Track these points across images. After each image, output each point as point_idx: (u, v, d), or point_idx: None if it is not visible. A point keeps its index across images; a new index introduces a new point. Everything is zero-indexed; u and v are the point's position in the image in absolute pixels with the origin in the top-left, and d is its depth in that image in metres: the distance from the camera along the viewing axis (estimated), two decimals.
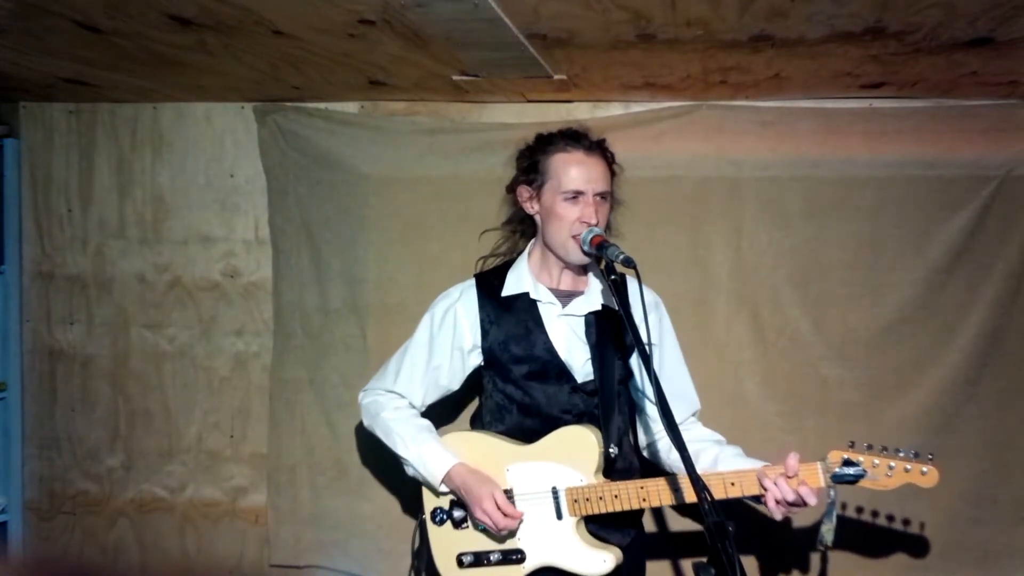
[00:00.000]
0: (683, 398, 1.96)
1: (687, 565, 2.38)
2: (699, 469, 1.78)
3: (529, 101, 2.44)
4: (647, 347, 1.61)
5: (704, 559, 1.30)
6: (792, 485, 1.65)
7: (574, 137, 1.88)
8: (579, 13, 1.60)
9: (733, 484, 1.72)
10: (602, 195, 1.86)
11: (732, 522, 1.33)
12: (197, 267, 2.67)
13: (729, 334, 2.38)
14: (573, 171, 1.84)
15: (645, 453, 2.03)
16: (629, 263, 1.65)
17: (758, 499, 1.71)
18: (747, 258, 2.36)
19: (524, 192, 1.94)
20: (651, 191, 2.34)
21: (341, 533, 2.56)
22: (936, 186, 2.28)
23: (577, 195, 1.84)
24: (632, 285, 1.96)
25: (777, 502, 1.67)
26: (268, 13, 1.65)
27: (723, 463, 1.81)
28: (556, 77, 2.10)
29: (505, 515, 1.79)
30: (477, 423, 2.05)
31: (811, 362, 2.35)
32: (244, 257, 2.65)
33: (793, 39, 1.75)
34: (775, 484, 1.67)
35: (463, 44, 1.82)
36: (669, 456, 1.93)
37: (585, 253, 1.82)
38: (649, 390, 1.94)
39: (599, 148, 1.90)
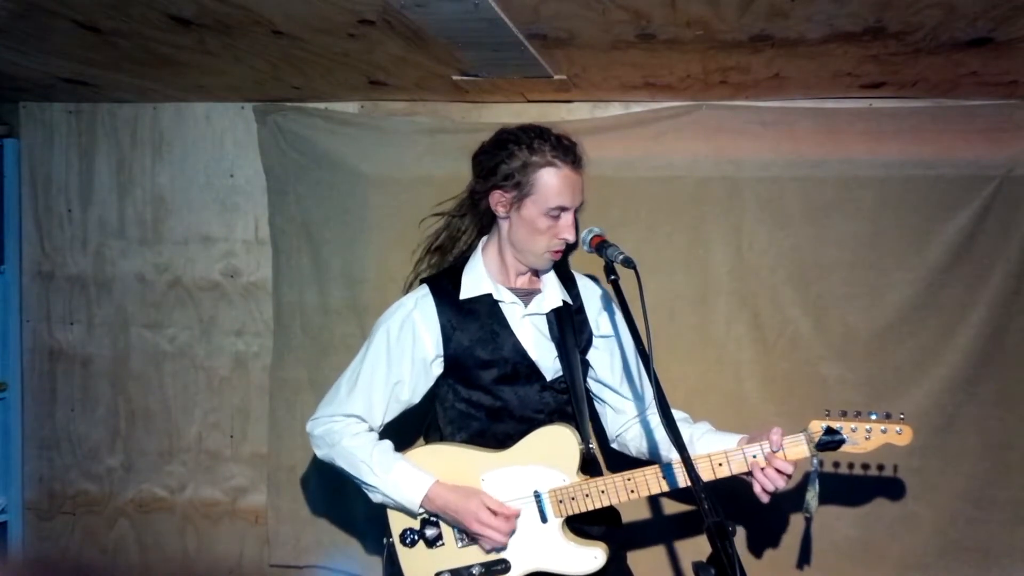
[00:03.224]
0: (644, 386, 1.95)
1: (682, 547, 2.38)
2: (664, 453, 1.82)
3: (529, 101, 2.44)
4: (648, 348, 1.60)
5: (704, 559, 1.30)
6: (774, 462, 1.71)
7: (562, 150, 1.77)
8: (579, 13, 1.60)
9: (721, 465, 1.74)
10: (579, 208, 1.82)
11: (732, 522, 1.33)
12: (197, 267, 2.68)
13: (729, 334, 2.38)
14: (561, 188, 1.75)
15: (614, 445, 2.01)
16: (629, 263, 1.64)
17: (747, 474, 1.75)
18: (747, 258, 2.36)
19: (499, 197, 1.80)
20: (651, 191, 2.35)
21: (341, 533, 2.57)
22: (936, 186, 2.28)
23: (561, 211, 1.78)
24: (581, 280, 1.97)
25: (764, 490, 1.71)
26: (268, 13, 1.65)
27: (699, 442, 1.81)
28: (556, 77, 2.10)
29: (506, 518, 1.75)
30: (434, 435, 1.93)
31: (811, 362, 2.35)
32: (244, 257, 2.65)
33: (793, 39, 1.75)
34: (764, 475, 1.70)
35: (463, 44, 1.82)
36: (641, 445, 1.93)
37: (587, 252, 1.81)
38: (612, 380, 1.96)
39: (580, 161, 1.81)
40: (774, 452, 1.72)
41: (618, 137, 2.33)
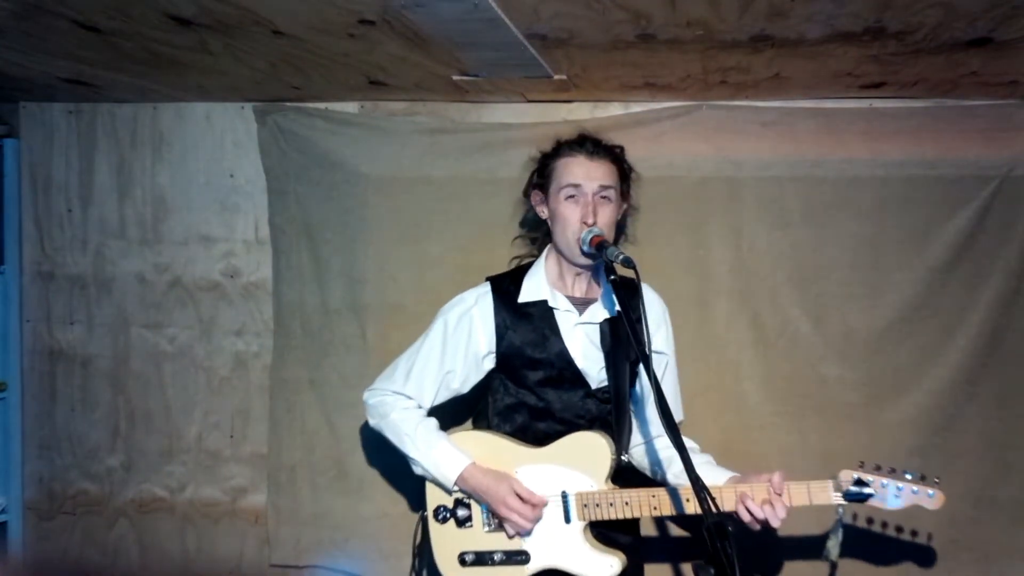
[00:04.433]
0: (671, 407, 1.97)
1: (687, 569, 2.39)
2: (670, 477, 1.86)
3: (529, 101, 2.44)
4: (648, 349, 1.61)
5: (703, 560, 1.30)
6: (781, 504, 1.70)
7: (579, 142, 1.92)
8: (579, 13, 1.60)
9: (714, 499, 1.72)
10: (604, 192, 1.86)
11: (731, 521, 1.33)
12: (197, 267, 2.67)
13: (729, 334, 2.38)
14: (572, 169, 1.88)
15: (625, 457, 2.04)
16: (629, 263, 1.65)
17: (733, 515, 1.75)
18: (747, 258, 2.36)
19: (536, 196, 1.99)
20: (651, 191, 2.34)
21: (341, 533, 2.56)
22: (936, 186, 2.28)
23: (575, 190, 1.85)
24: (647, 292, 1.98)
25: (755, 519, 1.72)
26: (268, 13, 1.65)
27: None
28: (556, 77, 2.10)
29: (533, 505, 1.80)
30: (482, 423, 2.03)
31: (811, 362, 2.35)
32: (244, 257, 2.65)
33: (793, 39, 1.75)
34: (763, 510, 1.71)
35: (463, 44, 1.82)
36: (643, 461, 1.98)
37: (585, 254, 1.82)
38: (648, 397, 1.97)
39: (604, 151, 1.91)
40: (778, 495, 1.71)
41: (618, 137, 2.32)
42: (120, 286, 2.71)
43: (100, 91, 2.50)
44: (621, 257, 1.66)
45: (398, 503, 2.51)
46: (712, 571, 1.27)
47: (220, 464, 2.69)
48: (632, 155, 2.04)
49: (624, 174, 1.97)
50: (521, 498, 1.81)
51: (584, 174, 1.86)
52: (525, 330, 1.91)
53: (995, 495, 2.31)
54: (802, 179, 2.33)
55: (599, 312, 1.93)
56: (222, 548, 2.70)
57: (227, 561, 2.69)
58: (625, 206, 2.02)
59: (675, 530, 2.39)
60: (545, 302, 1.92)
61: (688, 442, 1.91)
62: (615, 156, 1.94)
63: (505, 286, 1.97)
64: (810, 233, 2.34)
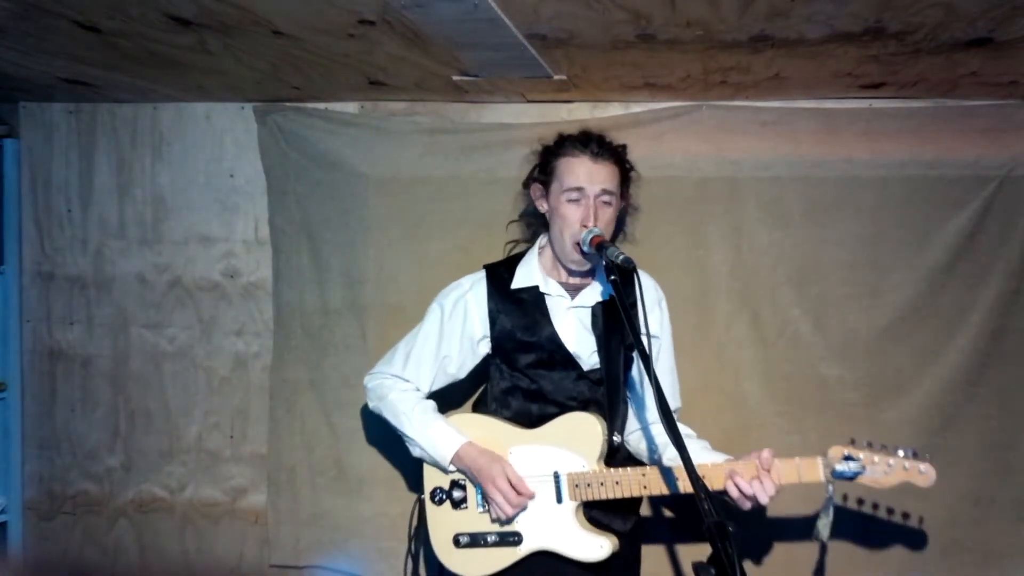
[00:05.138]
0: (667, 394, 1.97)
1: (683, 550, 2.39)
2: (665, 461, 1.86)
3: (529, 101, 2.44)
4: (647, 343, 1.61)
5: (704, 559, 1.30)
6: (769, 480, 1.70)
7: (583, 142, 1.92)
8: (579, 13, 1.60)
9: (704, 476, 1.73)
10: (605, 196, 1.87)
11: (733, 522, 1.33)
12: (197, 267, 2.67)
13: (729, 334, 2.38)
14: (576, 171, 1.88)
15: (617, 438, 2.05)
16: (628, 263, 1.65)
17: (724, 493, 1.76)
18: (747, 258, 2.36)
19: (536, 190, 2.00)
20: (651, 191, 2.34)
21: (341, 533, 2.56)
22: (936, 186, 2.28)
23: (578, 193, 1.86)
24: (644, 279, 1.99)
25: (744, 495, 1.72)
26: (268, 13, 1.65)
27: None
28: (556, 77, 2.10)
29: (519, 493, 1.82)
30: (481, 408, 2.07)
31: (811, 362, 2.36)
32: (244, 257, 2.65)
33: (793, 39, 1.75)
34: (751, 486, 1.71)
35: (463, 44, 1.82)
36: (639, 446, 1.99)
37: (585, 254, 1.83)
38: (643, 381, 1.98)
39: (608, 153, 1.91)
40: (766, 471, 1.71)
41: (618, 137, 2.33)
42: (120, 286, 2.71)
43: (100, 91, 2.50)
44: (621, 257, 1.66)
45: (397, 503, 2.50)
46: (713, 571, 1.27)
47: (220, 464, 2.69)
48: (632, 155, 2.04)
49: (625, 174, 1.98)
50: (510, 483, 1.83)
51: (587, 177, 1.87)
52: (516, 315, 1.95)
53: (995, 495, 2.31)
54: (802, 179, 2.33)
55: (591, 296, 1.95)
56: (222, 548, 2.70)
57: (227, 561, 2.69)
58: (624, 203, 2.03)
59: (674, 512, 2.40)
60: (537, 288, 1.96)
61: (685, 428, 1.93)
62: (618, 157, 1.95)
63: (499, 272, 2.01)
64: (810, 233, 2.34)
